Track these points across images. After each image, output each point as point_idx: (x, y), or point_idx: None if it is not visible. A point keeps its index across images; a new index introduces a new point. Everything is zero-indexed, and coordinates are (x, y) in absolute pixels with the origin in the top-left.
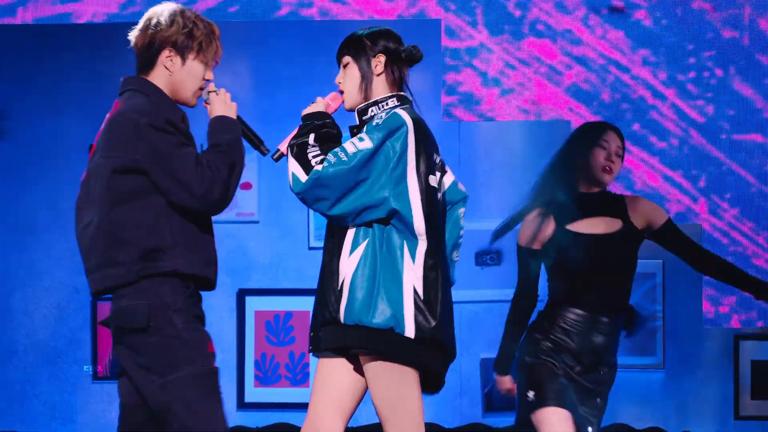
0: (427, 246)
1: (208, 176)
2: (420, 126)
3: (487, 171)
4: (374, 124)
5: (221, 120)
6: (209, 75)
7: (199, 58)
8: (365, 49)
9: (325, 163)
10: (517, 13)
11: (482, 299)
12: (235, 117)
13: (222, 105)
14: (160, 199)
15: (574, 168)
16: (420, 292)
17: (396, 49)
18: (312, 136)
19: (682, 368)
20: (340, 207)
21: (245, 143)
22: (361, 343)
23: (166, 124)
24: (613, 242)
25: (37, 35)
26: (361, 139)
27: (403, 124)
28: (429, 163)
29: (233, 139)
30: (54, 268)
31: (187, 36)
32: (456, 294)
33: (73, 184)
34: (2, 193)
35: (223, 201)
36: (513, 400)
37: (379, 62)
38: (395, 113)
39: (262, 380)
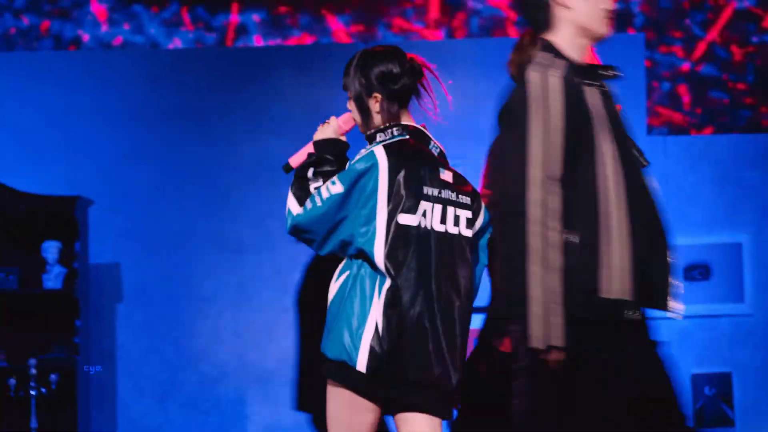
0: (391, 283)
1: None
2: (400, 163)
3: (694, 185)
4: (352, 162)
5: None
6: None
7: None
8: (361, 85)
9: (302, 209)
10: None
11: (691, 314)
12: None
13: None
14: None
15: None
16: (380, 327)
17: (390, 87)
18: (311, 171)
19: None
20: (326, 246)
21: None
22: (323, 371)
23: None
24: None
25: (242, 58)
26: (333, 183)
27: (374, 164)
28: (403, 201)
29: None
30: (263, 288)
31: None
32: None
33: (279, 204)
34: (211, 215)
35: None
36: (725, 415)
37: (376, 101)
38: (371, 152)
39: None
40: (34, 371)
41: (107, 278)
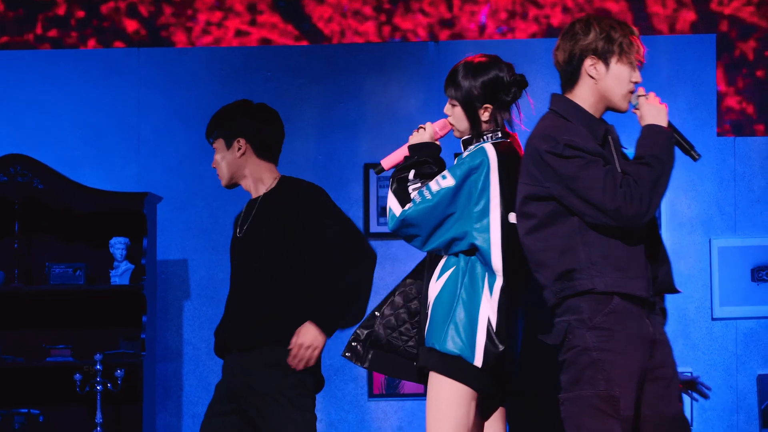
0: (503, 283)
1: (621, 192)
2: (508, 162)
3: (764, 187)
4: (462, 157)
5: (649, 129)
6: (636, 77)
7: (623, 60)
8: (471, 95)
9: (411, 204)
10: None
11: (759, 315)
12: (665, 123)
13: (652, 111)
14: (574, 220)
15: None
16: (494, 323)
17: (501, 97)
18: (412, 172)
19: None
20: (431, 242)
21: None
22: (432, 366)
23: (566, 149)
24: None
25: (314, 56)
26: (444, 177)
27: (485, 160)
28: (511, 200)
29: (660, 151)
30: None
31: (606, 41)
32: (731, 310)
33: (349, 202)
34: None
35: (641, 215)
36: None
37: (486, 111)
38: (481, 148)
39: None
40: (100, 367)
41: (175, 275)
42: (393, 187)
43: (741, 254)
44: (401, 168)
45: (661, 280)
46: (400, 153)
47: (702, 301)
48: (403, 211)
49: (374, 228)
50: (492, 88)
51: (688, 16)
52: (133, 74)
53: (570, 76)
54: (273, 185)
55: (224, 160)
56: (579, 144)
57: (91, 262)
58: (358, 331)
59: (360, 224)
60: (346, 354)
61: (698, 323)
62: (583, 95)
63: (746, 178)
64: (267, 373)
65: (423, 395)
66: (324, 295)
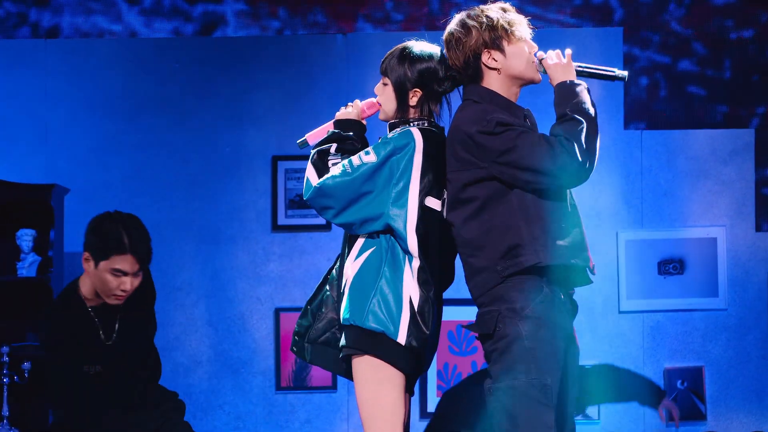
0: (420, 263)
1: (559, 150)
2: (433, 148)
3: (670, 180)
4: (387, 137)
5: (561, 87)
6: (531, 45)
7: (513, 38)
8: (405, 76)
9: (330, 174)
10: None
11: (665, 308)
12: (573, 75)
13: (558, 69)
14: (513, 199)
15: None
16: (415, 303)
17: (433, 87)
18: (334, 146)
19: None
20: (343, 216)
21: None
22: (352, 343)
23: (496, 126)
24: None
25: (221, 47)
26: (367, 153)
27: (411, 141)
28: (432, 184)
29: (579, 102)
30: (237, 278)
31: (490, 30)
32: (639, 303)
33: (257, 194)
34: (186, 205)
35: (583, 166)
36: (697, 408)
37: (415, 95)
38: (407, 130)
39: (444, 390)
40: (6, 359)
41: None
42: (313, 158)
43: (648, 247)
44: (324, 140)
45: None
46: (325, 128)
47: (609, 294)
48: (320, 181)
49: (282, 220)
50: (426, 76)
51: (598, 8)
52: (40, 65)
53: (474, 75)
54: None
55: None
56: (507, 120)
57: None
58: (300, 324)
59: (268, 216)
60: (293, 349)
61: (605, 316)
62: (494, 86)
63: (653, 171)
64: None
65: (330, 388)
66: None
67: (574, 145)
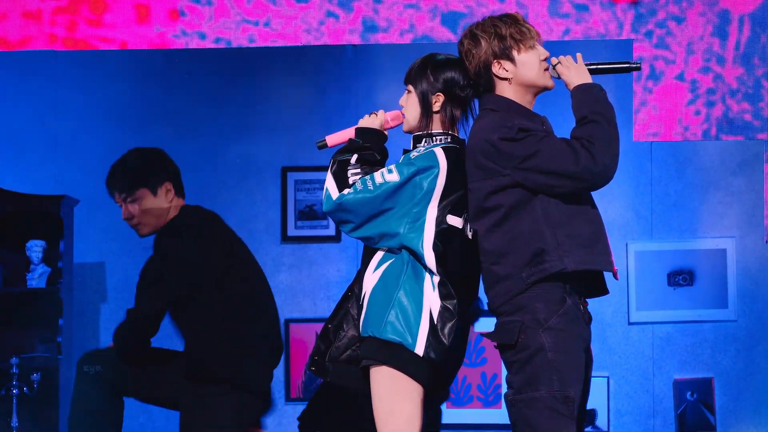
0: (440, 279)
1: (583, 154)
2: (457, 167)
3: (680, 191)
4: (411, 156)
5: (579, 90)
6: (543, 53)
7: (523, 48)
8: (428, 83)
9: (352, 189)
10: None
11: (675, 319)
12: (589, 78)
13: (572, 73)
14: (536, 206)
15: None
16: (435, 315)
17: (456, 92)
18: (354, 157)
19: None
20: (361, 231)
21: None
22: (371, 354)
23: (518, 132)
24: None
25: (231, 57)
26: (390, 171)
27: (435, 165)
28: (454, 202)
29: (598, 106)
30: None
31: (499, 40)
32: (648, 314)
33: (266, 205)
34: None
35: (607, 169)
36: (706, 420)
37: (438, 100)
38: (432, 152)
39: (454, 401)
40: (16, 370)
41: (91, 277)
42: (333, 168)
43: (657, 259)
44: (344, 149)
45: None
46: (347, 133)
47: (619, 305)
48: (341, 195)
49: (291, 231)
50: (449, 83)
51: (605, 17)
52: (51, 75)
53: (487, 84)
54: None
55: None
56: (528, 126)
57: (8, 265)
58: (319, 345)
59: (277, 227)
60: (312, 368)
61: (615, 327)
62: (507, 95)
63: (663, 182)
64: None
65: None
66: None
67: (595, 148)
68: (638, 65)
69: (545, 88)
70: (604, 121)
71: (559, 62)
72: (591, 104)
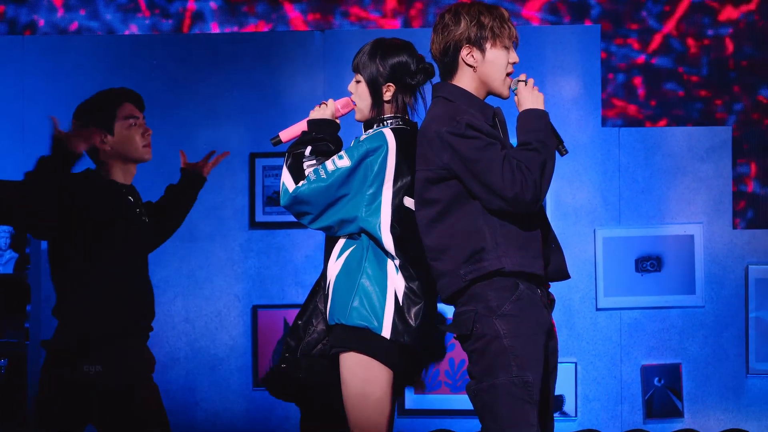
0: (400, 261)
1: (519, 179)
2: (407, 148)
3: (647, 177)
4: (360, 139)
5: (530, 114)
6: (513, 58)
7: (497, 44)
8: (377, 72)
9: (305, 181)
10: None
11: (643, 305)
12: (542, 106)
13: (530, 96)
14: (476, 203)
15: None
16: (400, 297)
17: (406, 80)
18: (309, 149)
19: None
20: (320, 221)
21: None
22: (338, 341)
23: (467, 129)
24: None
25: (201, 45)
26: (340, 157)
27: (384, 143)
28: (408, 185)
29: (544, 135)
30: (214, 276)
31: (478, 27)
32: (615, 300)
33: (234, 191)
34: None
35: (535, 201)
36: (674, 406)
37: (389, 90)
38: (380, 132)
39: (441, 386)
40: None
41: None
42: (288, 162)
43: (625, 244)
44: (298, 143)
45: (554, 265)
46: (299, 127)
47: (586, 291)
48: (296, 188)
49: (260, 217)
50: (398, 70)
51: (575, 5)
52: (17, 62)
53: (449, 67)
54: None
55: None
56: (478, 125)
57: None
58: (289, 342)
59: (245, 213)
60: (282, 365)
61: (583, 313)
62: (465, 83)
63: (630, 168)
64: None
65: None
66: None
67: (531, 177)
68: (564, 151)
69: (499, 95)
70: (545, 151)
71: (524, 81)
72: (537, 132)
